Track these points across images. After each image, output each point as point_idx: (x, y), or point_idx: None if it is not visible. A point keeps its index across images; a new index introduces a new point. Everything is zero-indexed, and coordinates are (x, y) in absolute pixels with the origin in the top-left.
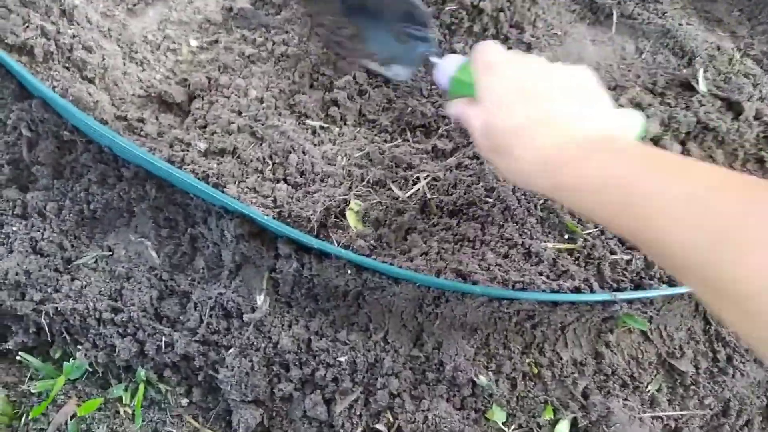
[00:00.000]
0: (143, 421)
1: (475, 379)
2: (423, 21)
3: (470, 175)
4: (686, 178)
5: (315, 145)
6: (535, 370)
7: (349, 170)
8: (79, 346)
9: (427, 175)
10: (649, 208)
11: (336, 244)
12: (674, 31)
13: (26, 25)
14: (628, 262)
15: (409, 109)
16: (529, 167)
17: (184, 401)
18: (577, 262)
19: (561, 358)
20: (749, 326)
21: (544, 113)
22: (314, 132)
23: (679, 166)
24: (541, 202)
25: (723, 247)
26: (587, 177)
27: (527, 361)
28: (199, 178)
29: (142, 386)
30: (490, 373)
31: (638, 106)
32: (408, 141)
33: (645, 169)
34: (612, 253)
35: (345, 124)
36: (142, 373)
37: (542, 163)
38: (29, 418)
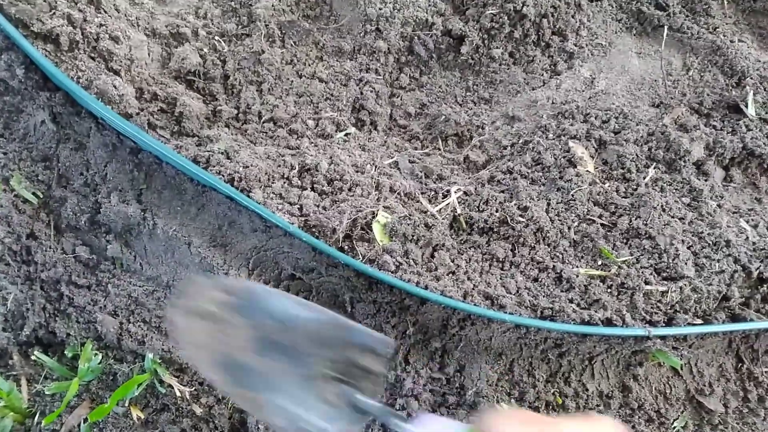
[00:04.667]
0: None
1: (497, 406)
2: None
3: (503, 191)
4: None
5: (344, 150)
6: (560, 400)
7: (378, 180)
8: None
9: (458, 189)
10: None
11: (361, 258)
12: (725, 48)
13: (53, 11)
14: (663, 293)
15: (443, 116)
16: None
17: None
18: (609, 290)
19: (587, 390)
20: None
21: None
22: (345, 137)
23: None
24: (576, 224)
25: None
26: None
27: (552, 390)
28: (224, 181)
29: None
30: (512, 400)
31: (683, 127)
32: (439, 150)
33: None
34: (647, 283)
35: (375, 129)
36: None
37: None
38: (43, 425)
